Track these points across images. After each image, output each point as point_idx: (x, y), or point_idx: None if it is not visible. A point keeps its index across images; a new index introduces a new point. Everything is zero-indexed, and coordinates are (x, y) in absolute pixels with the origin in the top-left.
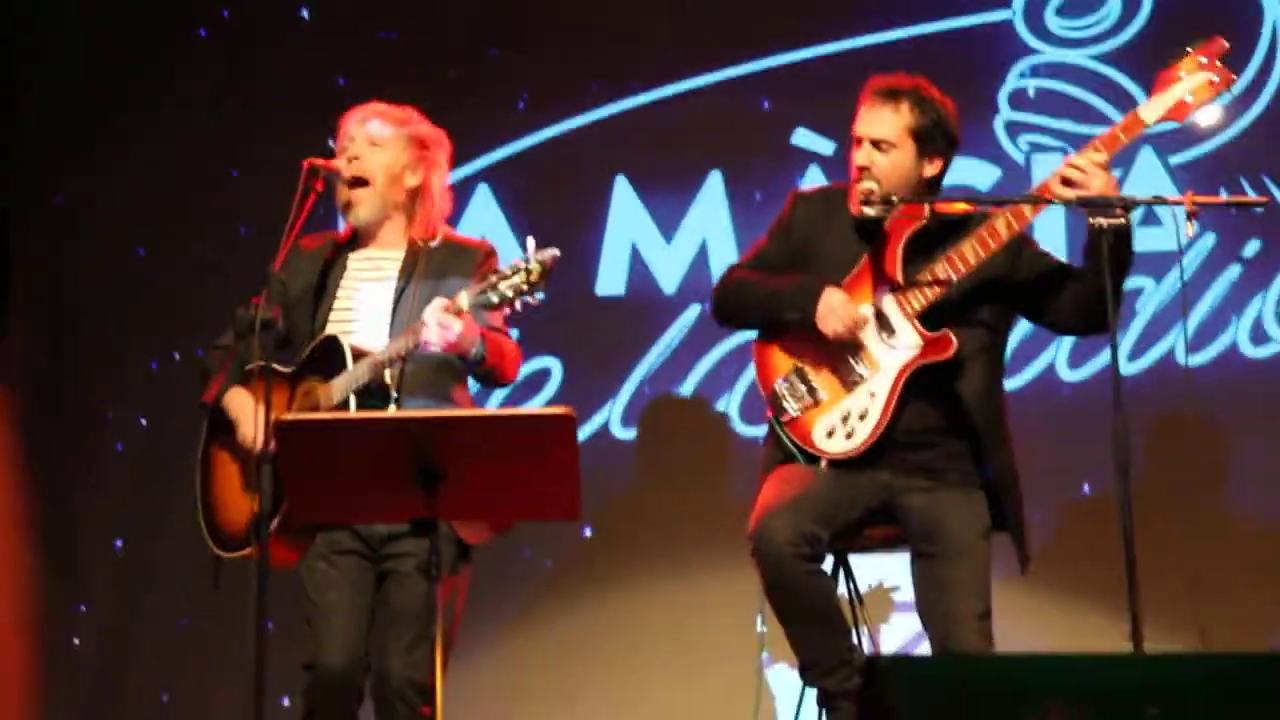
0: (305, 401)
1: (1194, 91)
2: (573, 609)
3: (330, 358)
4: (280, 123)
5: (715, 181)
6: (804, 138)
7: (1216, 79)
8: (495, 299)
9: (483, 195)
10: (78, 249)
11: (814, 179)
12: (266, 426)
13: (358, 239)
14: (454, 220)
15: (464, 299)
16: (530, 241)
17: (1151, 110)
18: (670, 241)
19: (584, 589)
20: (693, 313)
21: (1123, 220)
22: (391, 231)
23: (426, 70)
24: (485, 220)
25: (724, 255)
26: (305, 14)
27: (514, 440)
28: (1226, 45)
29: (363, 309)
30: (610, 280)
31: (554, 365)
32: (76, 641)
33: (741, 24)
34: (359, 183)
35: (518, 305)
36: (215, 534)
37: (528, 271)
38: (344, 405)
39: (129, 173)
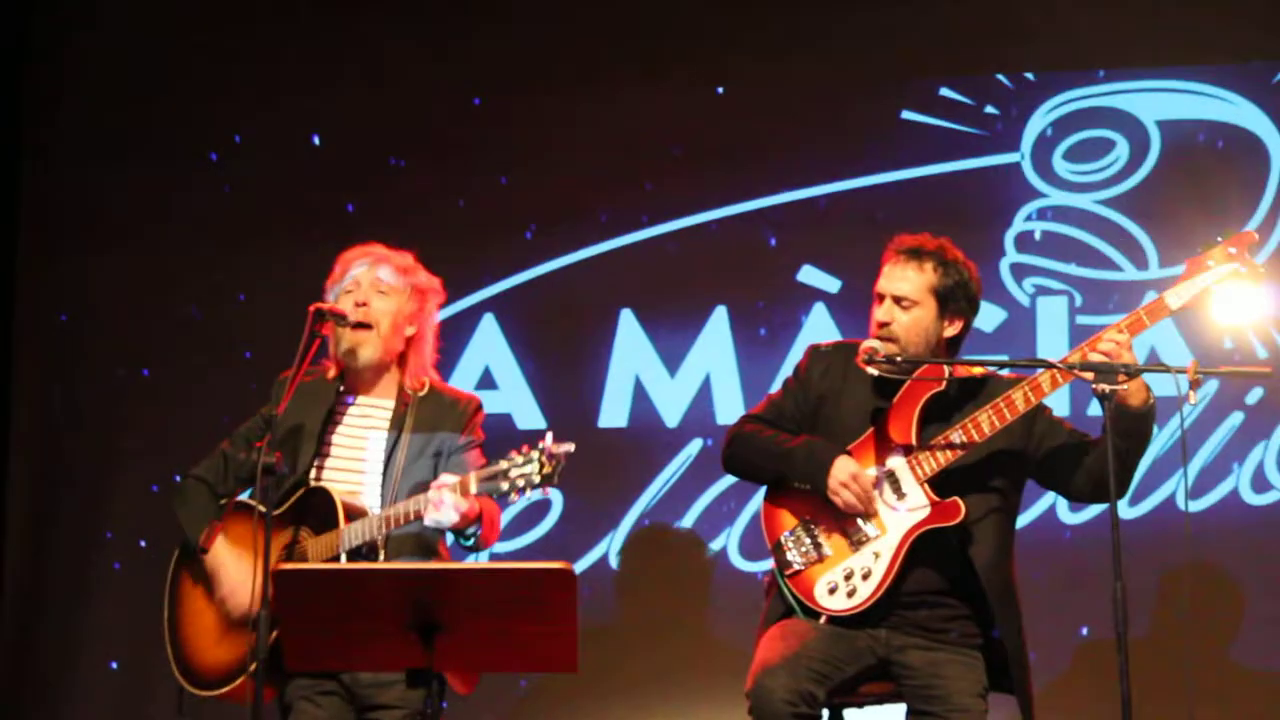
0: (294, 552)
1: (1220, 282)
2: None
3: (319, 509)
4: (289, 248)
5: (720, 316)
6: (810, 275)
7: (1244, 270)
8: (505, 487)
9: (488, 325)
10: (80, 368)
11: (819, 317)
12: (266, 571)
13: (346, 380)
14: (459, 348)
15: (473, 483)
16: (549, 436)
17: (1177, 297)
18: (674, 375)
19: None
20: (695, 446)
21: (1127, 387)
22: (385, 379)
23: (435, 198)
24: (490, 349)
25: (727, 390)
26: (316, 140)
27: (513, 594)
28: (1256, 238)
29: (351, 459)
30: (613, 412)
31: (555, 496)
32: None
33: (750, 161)
34: (363, 327)
35: (524, 495)
36: (183, 666)
37: (540, 464)
38: (334, 561)
39: (135, 292)
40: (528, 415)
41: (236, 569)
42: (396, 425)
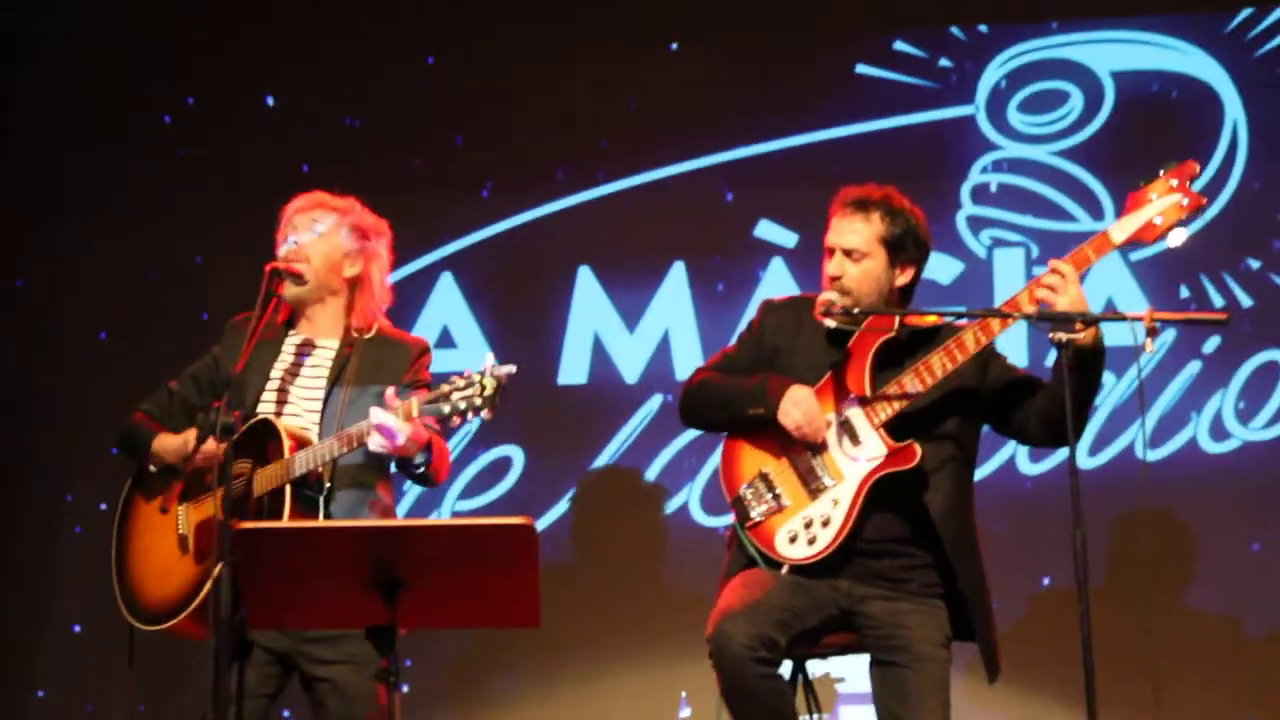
0: (242, 484)
1: (1164, 213)
2: (535, 697)
3: (265, 442)
4: (245, 210)
5: (678, 272)
6: (767, 230)
7: (1186, 202)
8: (446, 409)
9: (446, 283)
10: (39, 332)
11: (776, 271)
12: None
13: (295, 323)
14: (417, 307)
15: (415, 405)
16: (489, 356)
17: (1121, 231)
18: (633, 331)
19: (536, 676)
20: (655, 402)
21: (1082, 335)
22: (326, 318)
23: (390, 158)
24: (448, 308)
25: (686, 346)
26: (270, 101)
27: (475, 550)
28: (1198, 169)
29: (298, 398)
30: (572, 369)
31: (515, 454)
32: None
33: (705, 116)
34: (296, 264)
35: (468, 419)
36: (131, 604)
37: (482, 386)
38: (279, 494)
39: (92, 256)
40: None
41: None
42: (339, 365)
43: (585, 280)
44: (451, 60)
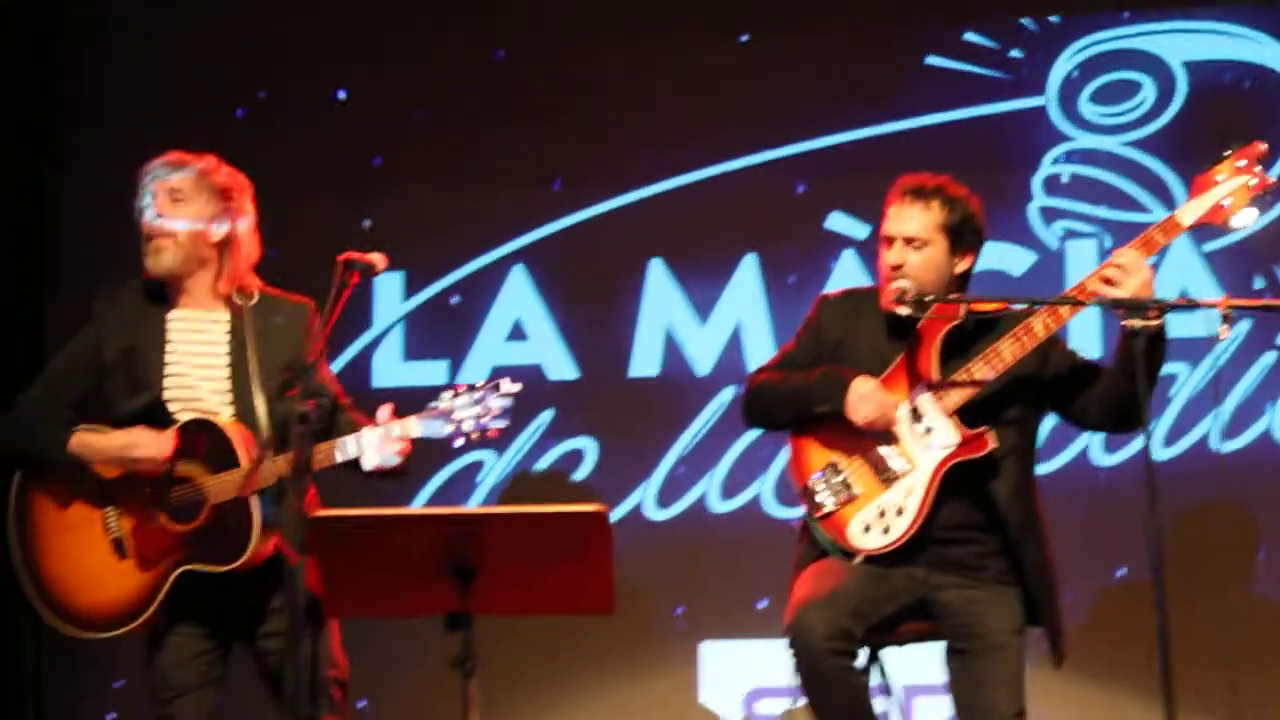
0: (186, 492)
1: (1232, 195)
2: (608, 687)
3: (210, 445)
4: (318, 203)
5: (750, 264)
6: (838, 221)
7: (1254, 183)
8: (449, 430)
9: (518, 276)
10: None
11: (847, 263)
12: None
13: (169, 296)
14: (489, 301)
15: (414, 427)
16: (492, 379)
17: (1189, 214)
18: (704, 324)
19: (619, 667)
20: (727, 394)
21: (1156, 322)
22: (201, 287)
23: (462, 151)
24: (520, 301)
25: (758, 338)
26: (342, 95)
27: (548, 537)
28: (1264, 148)
29: (199, 378)
30: (644, 362)
31: (589, 446)
32: None
33: (776, 108)
34: (162, 237)
35: (471, 440)
36: (59, 609)
37: (487, 407)
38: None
39: None
40: (559, 366)
41: (133, 433)
42: (237, 336)
43: (657, 273)
44: (522, 53)
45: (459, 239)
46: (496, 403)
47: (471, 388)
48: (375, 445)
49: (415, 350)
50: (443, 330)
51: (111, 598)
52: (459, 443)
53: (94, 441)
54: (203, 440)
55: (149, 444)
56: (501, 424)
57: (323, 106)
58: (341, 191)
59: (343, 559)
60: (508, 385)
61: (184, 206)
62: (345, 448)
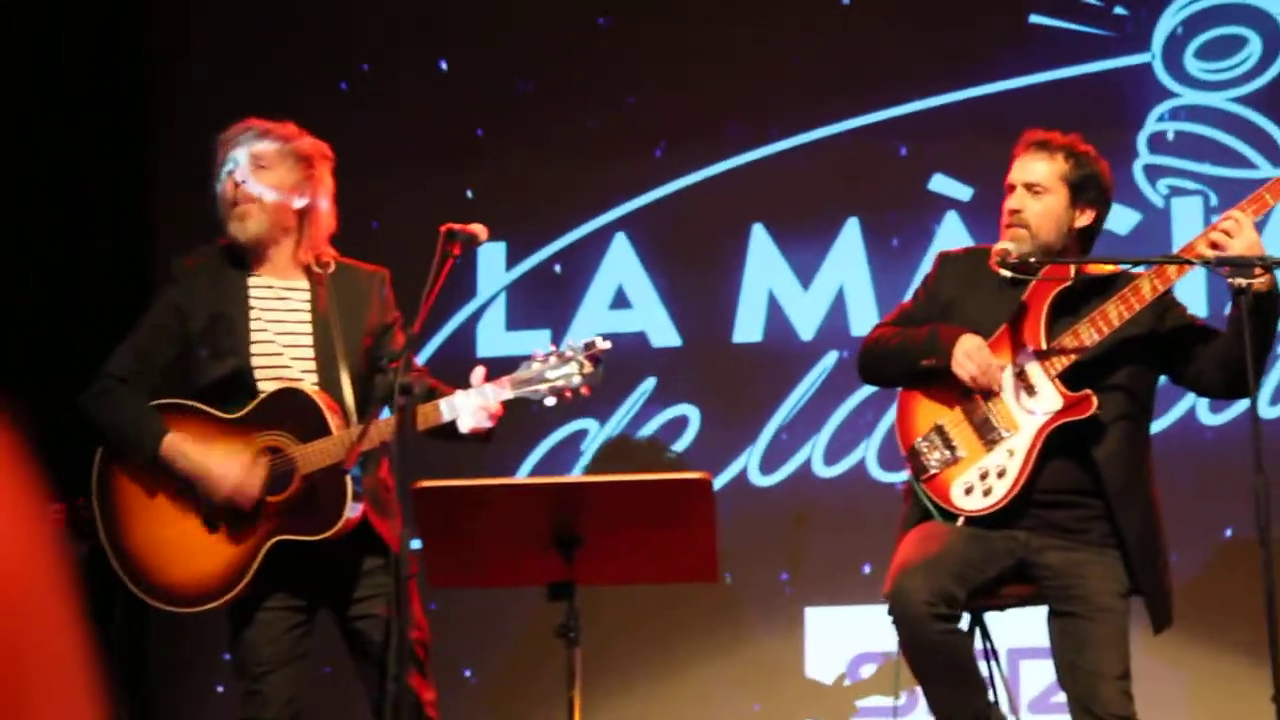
0: (275, 460)
1: None
2: (711, 655)
3: (299, 414)
4: (420, 174)
5: (852, 228)
6: (941, 183)
7: None
8: (543, 390)
9: (620, 244)
10: None
11: (951, 225)
12: (405, 490)
13: (248, 262)
14: (592, 268)
15: (509, 390)
16: (581, 335)
17: None
18: (807, 289)
19: (724, 634)
20: (830, 359)
21: (1263, 278)
22: (282, 255)
23: (564, 120)
24: (623, 269)
25: (861, 302)
26: (444, 66)
27: (652, 505)
28: None
29: (285, 345)
30: (747, 328)
31: (692, 413)
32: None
33: (877, 70)
34: (247, 203)
35: (565, 399)
36: (147, 586)
37: (581, 364)
38: (339, 468)
39: None
40: (662, 333)
41: (225, 464)
42: (318, 305)
43: (759, 238)
44: (623, 20)
45: (561, 208)
46: (588, 362)
47: (562, 349)
48: (471, 409)
49: (518, 320)
50: (545, 299)
51: (202, 571)
52: (550, 401)
53: (189, 452)
54: (291, 409)
55: (238, 482)
56: (593, 383)
57: (426, 78)
58: (444, 162)
59: (447, 529)
60: (600, 344)
61: (267, 174)
62: (446, 409)
